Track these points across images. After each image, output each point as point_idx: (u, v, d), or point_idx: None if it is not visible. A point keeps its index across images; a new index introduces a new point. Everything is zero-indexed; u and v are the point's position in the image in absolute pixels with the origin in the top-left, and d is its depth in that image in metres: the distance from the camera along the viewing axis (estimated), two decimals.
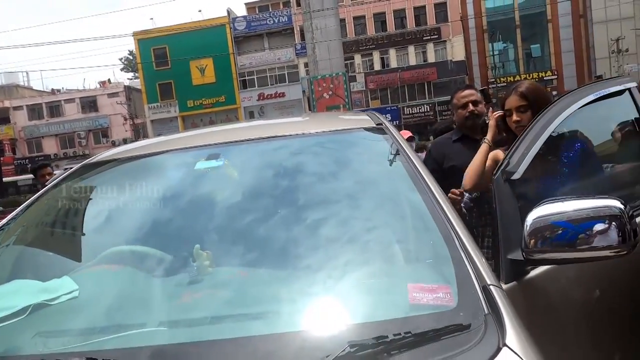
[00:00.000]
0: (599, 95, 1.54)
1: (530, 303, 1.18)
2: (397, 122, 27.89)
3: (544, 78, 29.69)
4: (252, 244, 1.20)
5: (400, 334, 0.83)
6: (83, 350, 0.91)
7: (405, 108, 30.62)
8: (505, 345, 0.82)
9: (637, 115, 1.69)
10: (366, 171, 1.43)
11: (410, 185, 1.24)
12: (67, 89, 39.16)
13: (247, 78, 32.34)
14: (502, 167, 1.31)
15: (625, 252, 1.05)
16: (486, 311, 0.90)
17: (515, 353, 0.81)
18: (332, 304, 1.02)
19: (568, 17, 30.66)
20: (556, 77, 30.31)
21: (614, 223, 1.03)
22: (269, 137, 1.57)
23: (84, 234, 1.43)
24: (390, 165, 1.38)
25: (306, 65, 20.89)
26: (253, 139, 1.57)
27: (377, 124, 1.54)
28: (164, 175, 1.52)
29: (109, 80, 38.45)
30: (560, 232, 1.06)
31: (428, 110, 30.31)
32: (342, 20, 20.01)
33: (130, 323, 1.01)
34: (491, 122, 1.98)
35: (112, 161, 1.64)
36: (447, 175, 2.24)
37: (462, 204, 2.05)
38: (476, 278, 0.96)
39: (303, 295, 1.05)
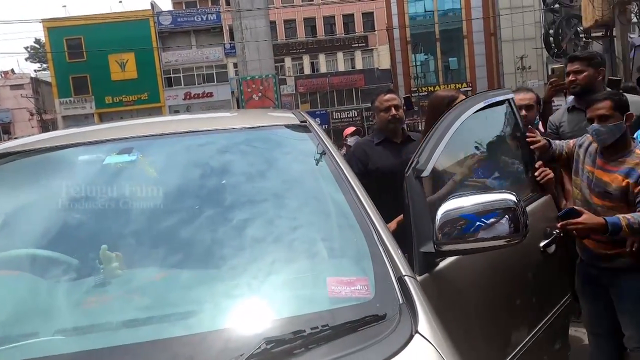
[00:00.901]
0: (487, 103, 1.75)
1: (441, 292, 1.26)
2: (326, 126, 28.40)
3: (460, 89, 31.98)
4: (167, 243, 1.14)
5: (317, 327, 0.83)
6: None
7: (334, 112, 31.27)
8: (417, 332, 0.86)
9: (516, 122, 1.96)
10: (288, 168, 1.43)
11: (332, 182, 1.25)
12: None
13: (172, 76, 30.88)
14: (412, 166, 1.39)
15: (517, 241, 1.16)
16: (401, 301, 0.93)
17: (426, 339, 0.86)
18: (250, 302, 1.01)
19: (481, 34, 33.49)
20: (471, 89, 32.76)
21: (507, 215, 1.13)
22: (186, 132, 1.51)
23: None
24: (314, 162, 1.39)
25: (235, 65, 20.44)
26: (169, 134, 1.50)
27: (301, 122, 1.55)
28: (68, 171, 1.39)
29: (12, 70, 34.67)
30: (464, 224, 1.14)
31: (356, 115, 31.22)
32: (273, 23, 19.93)
33: (18, 334, 0.91)
34: None
35: (5, 155, 1.45)
36: (372, 176, 2.32)
37: None
38: (392, 270, 1.00)
39: (220, 295, 1.02)
